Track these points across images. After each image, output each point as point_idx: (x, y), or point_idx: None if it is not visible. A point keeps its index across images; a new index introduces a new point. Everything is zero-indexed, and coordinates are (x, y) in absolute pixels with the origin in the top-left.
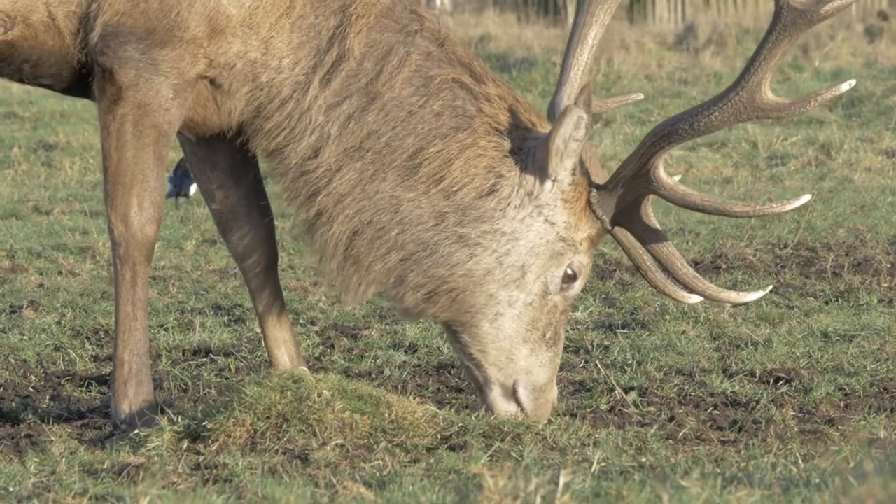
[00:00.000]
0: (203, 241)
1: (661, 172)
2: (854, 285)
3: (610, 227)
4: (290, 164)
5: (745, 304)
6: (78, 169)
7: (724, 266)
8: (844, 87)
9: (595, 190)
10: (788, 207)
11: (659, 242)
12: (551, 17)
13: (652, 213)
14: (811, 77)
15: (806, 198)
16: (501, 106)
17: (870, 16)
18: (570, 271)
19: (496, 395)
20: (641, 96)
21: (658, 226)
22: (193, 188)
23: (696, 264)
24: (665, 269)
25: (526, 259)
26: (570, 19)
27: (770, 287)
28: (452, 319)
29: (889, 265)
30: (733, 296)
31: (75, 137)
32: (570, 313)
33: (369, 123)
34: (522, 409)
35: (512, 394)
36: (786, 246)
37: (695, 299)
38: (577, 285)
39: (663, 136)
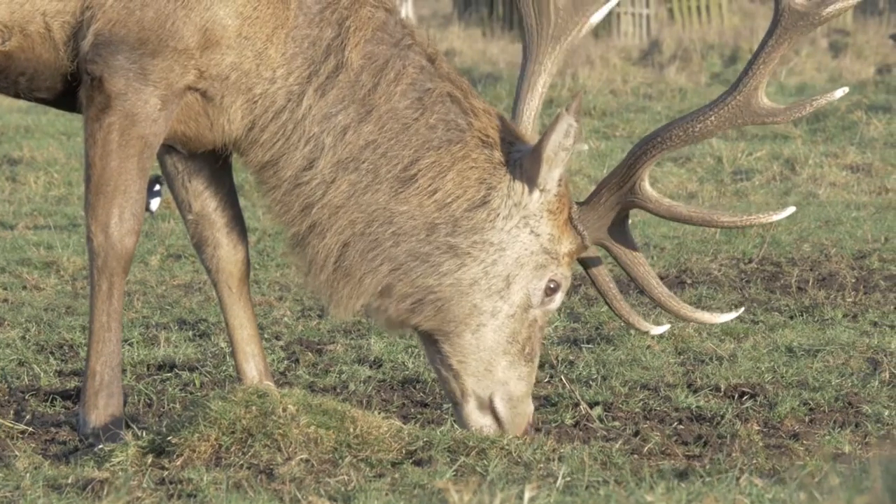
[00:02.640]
0: (168, 256)
1: (647, 185)
2: (819, 300)
3: (589, 245)
4: (284, 176)
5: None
6: (42, 184)
7: (688, 281)
8: (839, 93)
9: (576, 205)
10: (775, 218)
11: (635, 261)
12: (516, 33)
13: (629, 229)
14: (776, 92)
15: (791, 209)
16: (489, 119)
17: (834, 31)
18: (552, 284)
19: (471, 409)
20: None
21: (636, 244)
22: (155, 203)
23: (661, 279)
24: (640, 288)
25: (511, 270)
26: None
27: (742, 309)
28: (436, 329)
29: (853, 280)
30: (707, 316)
31: (40, 152)
32: None
33: (366, 135)
34: (499, 421)
35: (488, 406)
36: (750, 261)
37: (658, 330)
38: (558, 299)
39: (655, 144)
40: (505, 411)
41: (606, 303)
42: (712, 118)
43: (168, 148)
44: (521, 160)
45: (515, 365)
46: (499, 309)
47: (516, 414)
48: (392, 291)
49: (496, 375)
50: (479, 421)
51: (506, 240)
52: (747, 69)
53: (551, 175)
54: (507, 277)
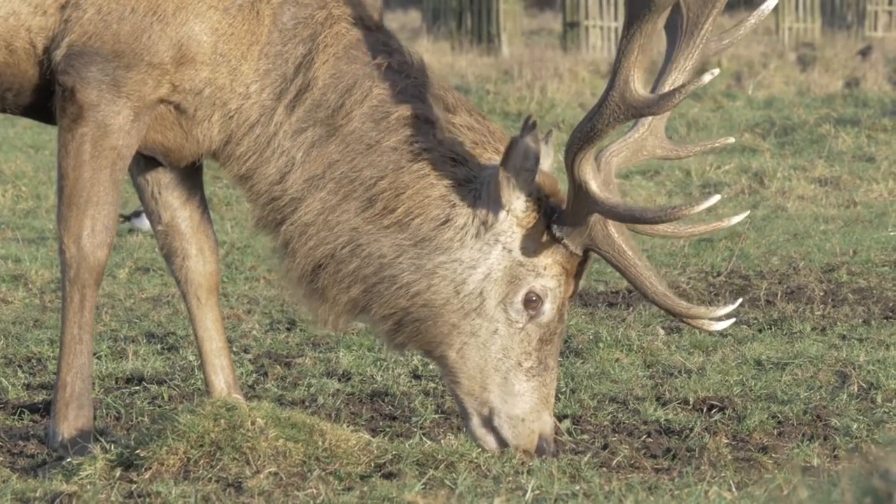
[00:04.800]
0: (136, 269)
1: (594, 187)
2: (787, 313)
3: (579, 252)
4: (260, 190)
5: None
6: (10, 197)
7: None
8: (707, 77)
9: (556, 215)
10: (697, 209)
11: (626, 263)
12: (485, 46)
13: (615, 232)
14: (744, 105)
15: (716, 198)
16: (465, 136)
17: (802, 45)
18: (532, 296)
19: (475, 425)
20: (732, 140)
21: (624, 245)
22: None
23: (629, 293)
24: (636, 288)
25: (483, 286)
26: (504, 49)
27: (740, 300)
28: (422, 350)
29: (822, 293)
30: (702, 311)
31: (7, 165)
32: None
33: (330, 153)
34: (502, 439)
35: (489, 423)
36: (719, 274)
37: (719, 326)
38: (547, 310)
39: (570, 148)
40: (505, 429)
41: (657, 305)
42: (596, 119)
43: (148, 160)
44: (490, 179)
45: (512, 381)
46: (478, 326)
47: (519, 433)
48: (370, 312)
49: (491, 393)
50: (484, 438)
51: (476, 258)
52: (615, 67)
53: (515, 195)
54: (480, 294)
